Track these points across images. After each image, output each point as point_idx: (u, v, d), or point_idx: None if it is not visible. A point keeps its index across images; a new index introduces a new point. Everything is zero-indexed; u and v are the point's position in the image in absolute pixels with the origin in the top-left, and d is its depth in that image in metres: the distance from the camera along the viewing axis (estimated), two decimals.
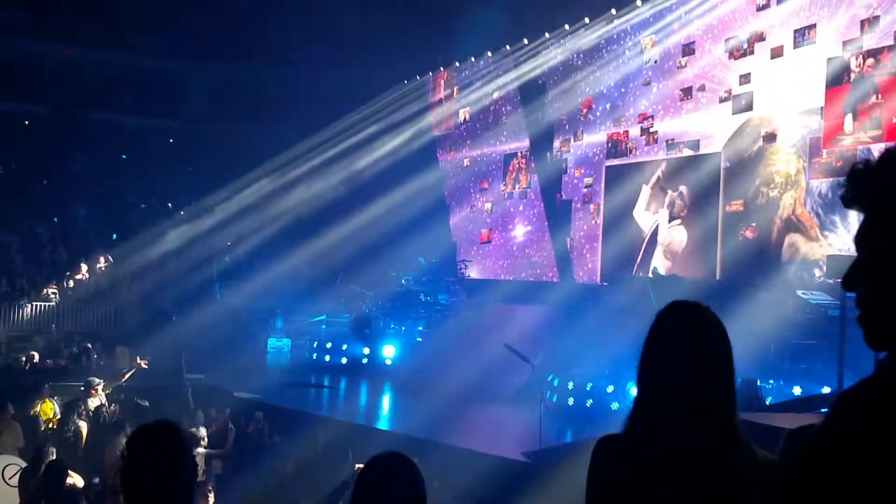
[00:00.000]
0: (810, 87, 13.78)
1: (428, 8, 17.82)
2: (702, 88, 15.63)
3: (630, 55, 17.23)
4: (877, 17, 13.01)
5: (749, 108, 14.88)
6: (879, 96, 12.99)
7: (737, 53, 15.10)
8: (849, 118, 13.32)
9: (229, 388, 12.87)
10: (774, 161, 14.58)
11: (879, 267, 1.18)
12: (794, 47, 14.20)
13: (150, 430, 2.79)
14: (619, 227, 17.27)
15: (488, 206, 20.55)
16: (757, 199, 14.75)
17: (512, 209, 19.76)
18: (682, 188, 16.41)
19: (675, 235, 16.19)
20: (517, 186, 19.86)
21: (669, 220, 16.63)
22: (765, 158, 14.67)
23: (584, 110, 18.07)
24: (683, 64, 16.10)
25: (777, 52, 14.41)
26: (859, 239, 1.22)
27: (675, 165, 16.60)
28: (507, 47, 19.11)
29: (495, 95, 20.47)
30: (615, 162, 17.67)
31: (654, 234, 16.94)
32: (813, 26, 13.95)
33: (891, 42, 12.87)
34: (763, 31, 14.76)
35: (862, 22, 13.20)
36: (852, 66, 13.35)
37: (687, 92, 15.93)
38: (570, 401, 11.15)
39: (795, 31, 14.17)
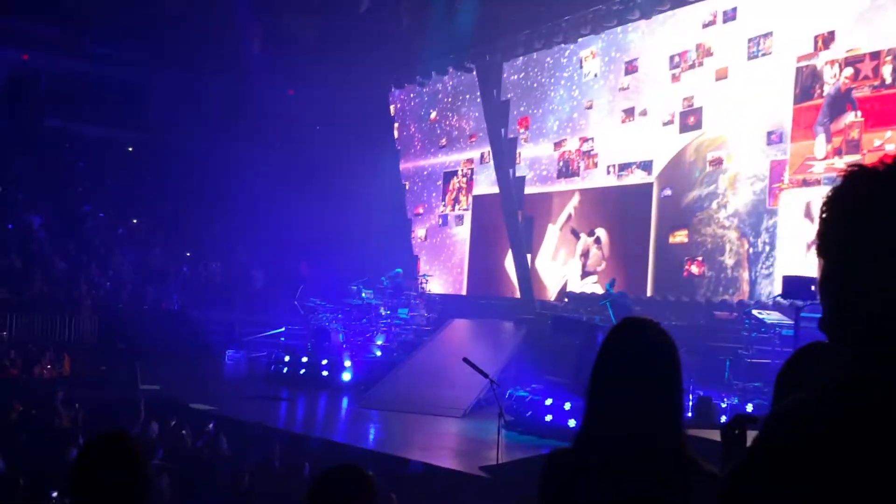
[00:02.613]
0: (769, 104, 12.56)
1: (389, 24, 17.81)
2: (643, 113, 14.74)
3: (570, 72, 16.63)
4: (831, 32, 11.89)
5: (697, 127, 13.76)
6: (859, 114, 11.26)
7: (685, 66, 14.04)
8: (821, 140, 11.73)
9: (185, 399, 12.69)
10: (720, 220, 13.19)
11: (841, 274, 1.26)
12: (749, 58, 13.06)
13: (103, 441, 2.74)
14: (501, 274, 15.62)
15: (421, 232, 20.45)
16: (703, 228, 13.36)
17: (462, 225, 19.62)
18: (600, 232, 14.37)
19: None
20: (457, 207, 19.63)
21: (582, 276, 14.65)
22: (715, 190, 13.31)
23: (521, 129, 17.73)
24: (626, 85, 15.31)
25: (722, 74, 13.44)
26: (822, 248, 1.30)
27: (591, 199, 14.64)
28: (471, 64, 19.16)
29: (433, 116, 20.49)
30: (479, 192, 16.43)
31: (563, 291, 14.80)
32: (769, 34, 12.68)
33: (869, 47, 11.24)
34: (710, 46, 13.68)
35: (816, 38, 12.17)
36: (826, 78, 11.77)
37: (629, 113, 15.15)
38: (530, 414, 11.16)
39: (750, 41, 13.07)
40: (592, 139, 16.01)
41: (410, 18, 17.30)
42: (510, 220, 17.20)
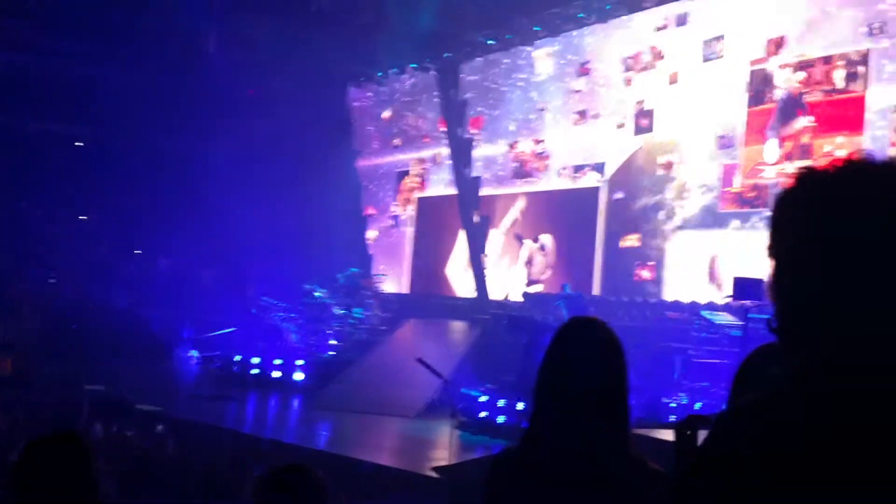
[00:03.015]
0: (722, 108, 12.58)
1: (349, 22, 17.69)
2: (596, 116, 14.72)
3: (527, 74, 16.61)
4: (782, 37, 11.92)
5: (649, 129, 13.76)
6: (811, 119, 11.20)
7: (638, 68, 14.05)
8: (772, 144, 11.66)
9: (131, 400, 12.44)
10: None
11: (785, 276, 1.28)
12: (704, 61, 13.06)
13: (49, 441, 2.65)
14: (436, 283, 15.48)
15: (373, 234, 20.36)
16: (651, 241, 13.33)
17: (413, 226, 19.50)
18: (545, 238, 14.21)
19: None
20: (409, 208, 19.47)
21: (528, 284, 14.48)
22: (662, 200, 13.33)
23: (473, 130, 17.75)
24: (579, 87, 15.26)
25: (675, 77, 13.48)
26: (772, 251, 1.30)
27: (537, 203, 14.55)
28: (430, 63, 19.11)
29: (385, 115, 20.40)
30: (430, 193, 16.38)
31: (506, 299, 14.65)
32: (721, 37, 12.74)
33: (819, 53, 11.28)
34: (662, 50, 13.75)
35: (768, 42, 12.11)
36: (778, 82, 11.74)
37: (582, 115, 15.12)
38: (483, 414, 11.17)
39: (704, 43, 13.02)
40: (544, 141, 16.07)
41: (370, 16, 17.20)
42: (466, 220, 17.20)
